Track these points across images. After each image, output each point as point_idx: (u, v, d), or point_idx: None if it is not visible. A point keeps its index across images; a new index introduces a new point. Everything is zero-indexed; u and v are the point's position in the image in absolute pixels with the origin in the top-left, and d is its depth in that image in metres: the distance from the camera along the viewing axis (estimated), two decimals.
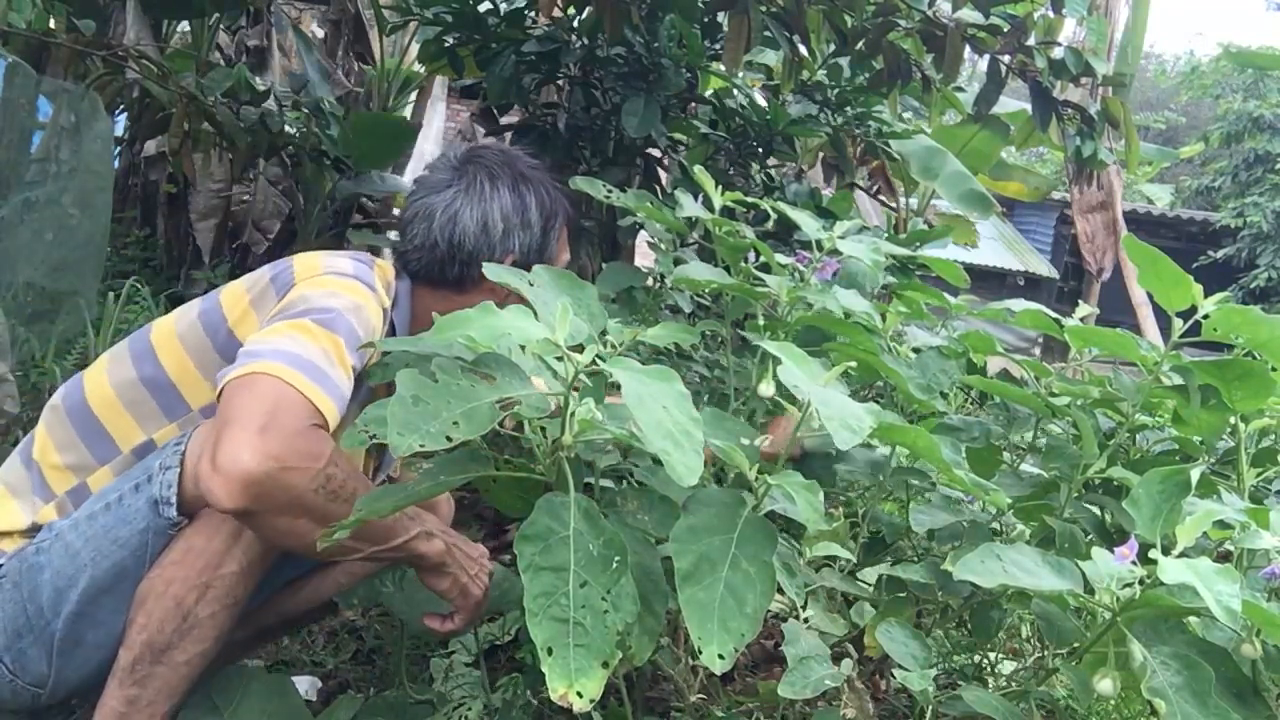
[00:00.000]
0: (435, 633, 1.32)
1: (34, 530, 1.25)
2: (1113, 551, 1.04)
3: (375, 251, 2.71)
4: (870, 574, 1.66)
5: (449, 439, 0.92)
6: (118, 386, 1.29)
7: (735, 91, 2.97)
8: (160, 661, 1.16)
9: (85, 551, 1.18)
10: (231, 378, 1.11)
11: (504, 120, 3.03)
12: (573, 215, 1.53)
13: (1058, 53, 2.82)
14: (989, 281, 11.68)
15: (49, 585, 1.19)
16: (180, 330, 1.30)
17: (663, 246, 1.94)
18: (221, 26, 4.65)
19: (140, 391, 1.28)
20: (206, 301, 1.33)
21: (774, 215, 1.58)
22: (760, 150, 2.95)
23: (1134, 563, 1.02)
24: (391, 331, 1.37)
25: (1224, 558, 1.24)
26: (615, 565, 0.96)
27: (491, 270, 1.19)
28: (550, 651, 0.90)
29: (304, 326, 1.17)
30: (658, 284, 2.18)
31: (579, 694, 0.89)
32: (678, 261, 1.81)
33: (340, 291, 1.25)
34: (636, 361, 1.00)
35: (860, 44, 2.70)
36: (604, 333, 1.10)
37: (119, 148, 4.48)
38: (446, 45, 2.86)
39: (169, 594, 1.16)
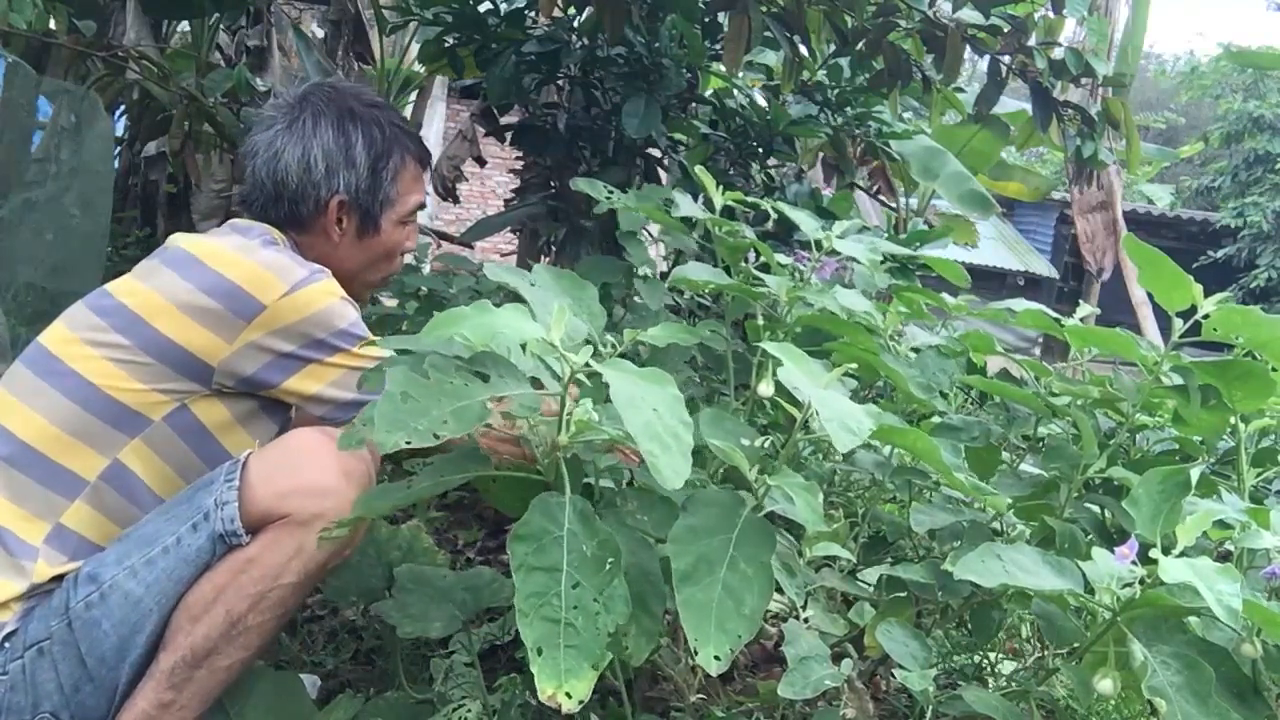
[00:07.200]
0: None
1: (36, 591, 1.19)
2: (1113, 551, 1.04)
3: None
4: (870, 574, 1.66)
5: (436, 436, 0.92)
6: (55, 420, 1.23)
7: (735, 92, 2.97)
8: (200, 666, 1.16)
9: (148, 598, 1.16)
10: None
11: (504, 120, 3.02)
12: (420, 154, 1.50)
13: (1058, 53, 2.82)
14: (989, 281, 11.68)
15: (111, 635, 1.16)
16: (110, 354, 1.25)
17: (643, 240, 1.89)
18: (221, 27, 4.64)
19: (84, 418, 1.23)
20: (124, 322, 1.26)
21: (774, 215, 1.58)
22: (760, 150, 2.94)
23: (1134, 562, 1.02)
24: None
25: (1224, 557, 1.24)
26: (609, 566, 0.96)
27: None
28: (540, 652, 0.90)
29: (348, 356, 1.30)
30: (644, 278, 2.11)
31: (568, 695, 0.88)
32: (678, 259, 1.80)
33: (324, 297, 1.31)
34: (631, 363, 1.00)
35: (860, 44, 2.70)
36: (605, 331, 1.10)
37: (119, 148, 4.48)
38: (446, 45, 2.85)
39: (219, 601, 1.15)
